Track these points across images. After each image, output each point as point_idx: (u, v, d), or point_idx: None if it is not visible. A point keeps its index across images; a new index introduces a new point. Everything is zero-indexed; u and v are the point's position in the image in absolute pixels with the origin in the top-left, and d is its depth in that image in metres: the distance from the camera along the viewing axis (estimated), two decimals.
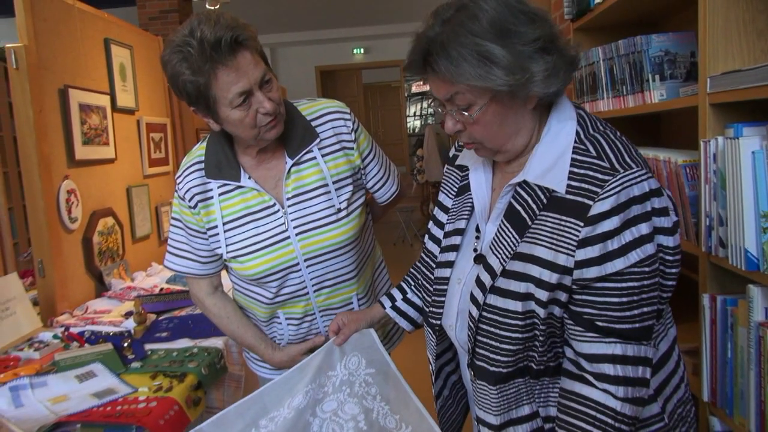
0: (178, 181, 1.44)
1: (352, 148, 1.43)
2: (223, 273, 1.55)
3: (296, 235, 1.37)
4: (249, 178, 1.38)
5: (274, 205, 1.38)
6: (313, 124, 1.41)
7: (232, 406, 1.19)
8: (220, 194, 1.39)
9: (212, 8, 1.23)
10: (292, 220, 1.37)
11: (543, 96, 0.96)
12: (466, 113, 0.97)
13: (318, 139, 1.40)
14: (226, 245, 1.39)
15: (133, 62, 3.04)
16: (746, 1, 1.26)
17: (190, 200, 1.41)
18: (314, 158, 1.39)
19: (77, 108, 2.49)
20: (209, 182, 1.39)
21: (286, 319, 1.46)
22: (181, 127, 3.66)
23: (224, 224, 1.38)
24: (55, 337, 1.99)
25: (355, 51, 11.11)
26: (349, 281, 1.46)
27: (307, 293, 1.43)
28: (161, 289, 2.59)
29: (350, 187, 1.42)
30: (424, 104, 12.15)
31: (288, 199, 1.38)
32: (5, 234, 2.20)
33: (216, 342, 1.96)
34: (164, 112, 3.44)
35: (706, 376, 1.34)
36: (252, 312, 1.52)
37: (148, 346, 1.93)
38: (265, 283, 1.40)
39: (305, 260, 1.39)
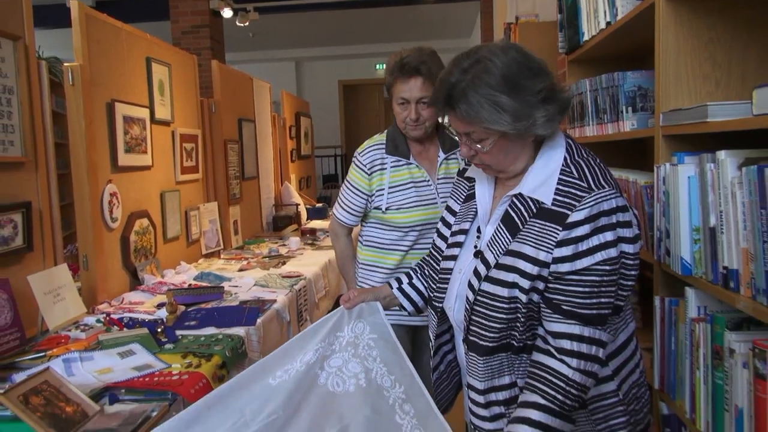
0: (361, 154, 2.09)
1: None
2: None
3: (442, 202, 2.01)
4: (414, 159, 2.06)
5: (429, 180, 2.05)
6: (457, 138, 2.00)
7: (256, 363, 1.43)
8: (392, 166, 2.06)
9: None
10: (439, 192, 2.04)
11: (541, 135, 1.21)
12: (478, 146, 1.23)
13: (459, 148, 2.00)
14: (388, 200, 2.04)
15: (170, 78, 3.35)
16: (694, 49, 1.49)
17: (369, 168, 2.06)
18: (456, 159, 2.08)
19: (121, 120, 2.79)
20: (386, 157, 2.06)
21: (384, 284, 1.86)
22: (211, 138, 3.96)
23: (390, 187, 2.04)
24: (98, 321, 2.27)
25: (378, 66, 11.39)
26: None
27: None
28: (189, 285, 2.86)
29: None
30: (445, 119, 12.42)
31: (439, 178, 2.06)
32: (57, 230, 2.49)
33: (238, 330, 2.22)
34: (196, 124, 3.74)
35: (657, 366, 1.55)
36: (381, 262, 2.09)
37: (178, 332, 2.20)
38: (412, 231, 2.02)
39: None
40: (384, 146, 2.07)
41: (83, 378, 1.77)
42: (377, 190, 2.05)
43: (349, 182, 2.12)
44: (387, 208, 2.03)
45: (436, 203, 2.03)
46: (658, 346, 1.54)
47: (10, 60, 2.22)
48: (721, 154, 1.22)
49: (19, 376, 1.67)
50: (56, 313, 2.20)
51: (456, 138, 1.94)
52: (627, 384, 1.28)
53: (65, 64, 2.52)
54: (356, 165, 2.09)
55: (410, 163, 2.05)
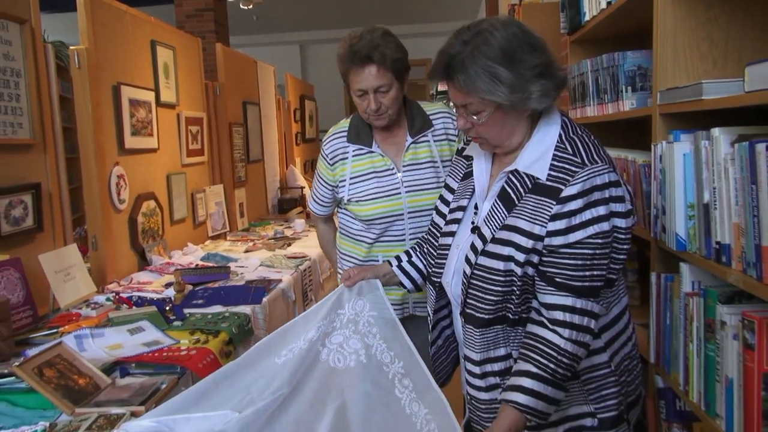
0: (325, 143, 1.96)
1: (455, 141, 1.92)
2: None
3: (406, 192, 1.86)
4: (378, 146, 1.89)
5: (393, 168, 1.88)
6: (430, 117, 1.92)
7: (261, 341, 1.47)
8: (353, 155, 1.91)
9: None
10: (404, 181, 1.87)
11: (536, 109, 1.24)
12: (475, 117, 1.25)
13: (432, 128, 1.90)
14: (349, 192, 1.90)
15: (175, 61, 3.37)
16: (692, 29, 1.50)
17: (332, 158, 1.93)
18: (427, 141, 1.90)
19: (127, 103, 2.82)
20: (348, 146, 1.91)
21: (384, 261, 1.79)
22: (216, 121, 3.99)
23: (351, 177, 1.90)
24: (107, 299, 2.32)
25: None
26: None
27: (404, 240, 1.87)
28: (196, 265, 2.91)
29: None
30: (450, 104, 12.38)
31: (404, 165, 1.88)
32: (66, 211, 2.53)
33: (245, 309, 2.26)
34: (201, 107, 3.77)
35: (652, 341, 1.59)
36: (353, 252, 1.96)
37: (186, 311, 2.24)
38: (374, 224, 1.88)
39: (409, 212, 1.86)
40: (346, 134, 1.92)
41: (94, 353, 1.82)
42: (340, 181, 1.92)
43: (316, 172, 2.03)
44: (349, 200, 1.90)
45: (400, 194, 1.85)
46: (654, 321, 1.58)
47: (17, 43, 2.25)
48: (715, 131, 1.24)
49: (32, 351, 1.72)
50: (67, 292, 2.25)
51: (427, 118, 1.90)
52: (619, 356, 1.32)
53: (71, 47, 2.55)
54: (321, 154, 1.97)
55: (372, 152, 1.88)
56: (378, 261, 1.86)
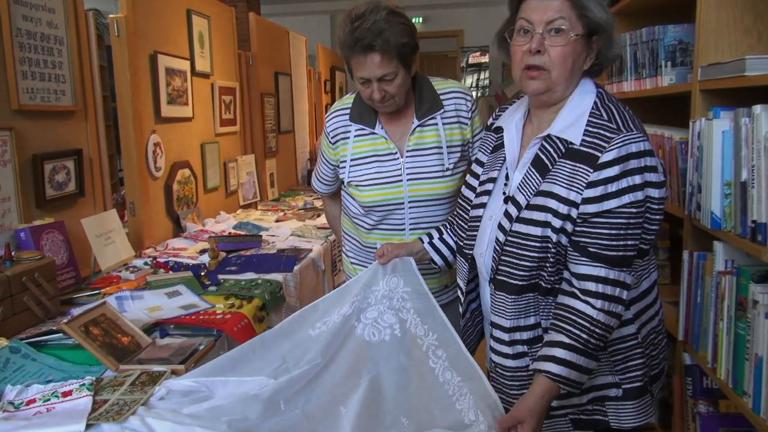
0: (327, 120, 1.85)
1: (467, 124, 1.78)
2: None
3: (408, 180, 1.75)
4: (381, 127, 1.76)
5: (396, 153, 1.75)
6: (441, 97, 1.77)
7: (296, 313, 1.52)
8: (355, 135, 1.79)
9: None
10: (407, 167, 1.74)
11: (601, 54, 1.27)
12: (555, 37, 1.23)
13: (442, 110, 1.75)
14: (349, 174, 1.80)
15: (209, 31, 3.40)
16: (736, 1, 1.47)
17: (333, 137, 1.83)
18: (436, 124, 1.75)
19: (164, 71, 2.87)
20: (350, 125, 1.79)
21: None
22: (248, 92, 4.02)
23: (352, 159, 1.79)
24: (145, 264, 2.40)
25: (414, 20, 11.19)
26: None
27: (404, 230, 1.79)
28: (229, 233, 2.98)
29: (458, 154, 1.77)
30: (481, 75, 12.18)
31: (408, 150, 1.75)
32: (105, 177, 2.61)
33: (277, 276, 2.32)
34: (234, 77, 3.80)
35: (682, 318, 1.59)
36: (355, 235, 1.90)
37: (220, 276, 2.31)
38: (373, 211, 1.79)
39: (410, 202, 1.76)
40: (349, 111, 1.80)
41: (135, 314, 1.89)
42: (341, 162, 1.81)
43: (320, 149, 1.93)
44: (348, 183, 1.81)
45: (401, 181, 1.74)
46: (684, 299, 1.58)
47: (59, 11, 2.29)
48: (757, 109, 1.22)
49: (76, 310, 1.80)
50: (107, 255, 2.33)
51: (437, 98, 1.75)
52: (646, 329, 1.33)
53: (111, 15, 2.59)
54: (324, 131, 1.87)
55: (375, 134, 1.76)
56: (375, 248, 1.75)
